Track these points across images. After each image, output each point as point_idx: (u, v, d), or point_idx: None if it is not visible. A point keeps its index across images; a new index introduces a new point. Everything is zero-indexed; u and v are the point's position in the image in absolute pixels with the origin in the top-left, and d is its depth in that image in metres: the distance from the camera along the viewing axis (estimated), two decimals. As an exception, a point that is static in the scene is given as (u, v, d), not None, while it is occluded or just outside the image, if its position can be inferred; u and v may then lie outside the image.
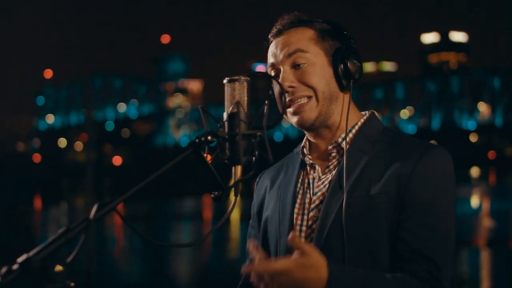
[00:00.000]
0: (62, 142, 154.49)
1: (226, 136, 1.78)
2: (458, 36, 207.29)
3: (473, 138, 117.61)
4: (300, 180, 2.32)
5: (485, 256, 18.41)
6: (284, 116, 2.21)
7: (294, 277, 1.85)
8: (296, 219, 2.25)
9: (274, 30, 2.30)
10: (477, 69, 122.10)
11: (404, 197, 2.08)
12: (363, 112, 2.34)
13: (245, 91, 1.83)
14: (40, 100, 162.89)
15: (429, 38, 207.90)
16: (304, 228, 2.23)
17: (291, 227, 2.24)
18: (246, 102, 1.83)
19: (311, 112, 2.20)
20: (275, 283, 1.86)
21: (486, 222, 28.06)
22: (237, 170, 1.81)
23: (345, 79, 2.23)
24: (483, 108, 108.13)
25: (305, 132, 2.33)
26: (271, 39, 2.31)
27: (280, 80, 2.21)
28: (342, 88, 2.25)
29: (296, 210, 2.26)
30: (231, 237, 23.89)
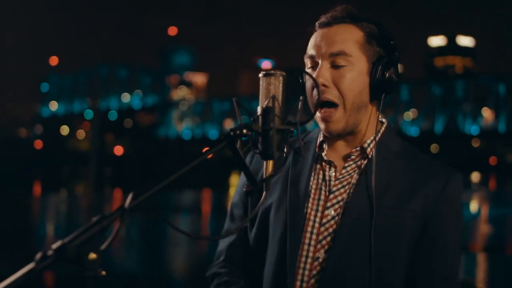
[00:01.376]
0: (65, 130, 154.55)
1: (260, 130, 1.76)
2: (465, 41, 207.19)
3: (475, 143, 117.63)
4: (312, 174, 2.29)
5: (482, 262, 18.38)
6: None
7: None
8: (309, 214, 2.24)
9: (323, 20, 2.26)
10: (483, 74, 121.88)
11: (430, 218, 2.16)
12: (380, 120, 2.32)
13: (281, 85, 1.81)
14: (45, 87, 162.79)
15: (436, 41, 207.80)
16: (317, 224, 2.22)
17: (304, 219, 2.23)
18: (281, 97, 1.80)
19: (338, 123, 2.19)
20: None
21: (484, 228, 28.03)
22: (269, 165, 1.79)
23: (379, 91, 2.21)
24: (487, 113, 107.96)
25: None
26: (317, 28, 2.26)
27: (315, 74, 2.19)
28: (372, 98, 2.24)
29: (309, 205, 2.25)
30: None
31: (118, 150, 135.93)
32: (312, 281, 2.17)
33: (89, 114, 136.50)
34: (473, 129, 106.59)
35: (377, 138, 2.24)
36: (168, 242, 20.06)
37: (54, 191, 46.29)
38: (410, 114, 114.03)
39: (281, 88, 1.81)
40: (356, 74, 2.18)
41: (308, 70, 2.25)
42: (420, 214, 2.14)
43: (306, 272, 2.18)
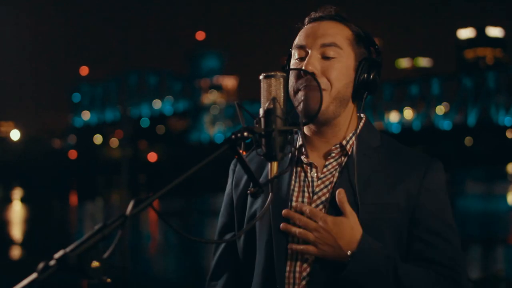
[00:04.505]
0: (98, 139, 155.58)
1: (263, 132, 1.77)
2: (494, 31, 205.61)
3: (509, 134, 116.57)
4: (293, 177, 2.28)
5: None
6: (293, 99, 2.20)
7: (332, 230, 2.07)
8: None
9: (313, 15, 2.29)
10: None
11: (415, 211, 2.17)
12: (358, 115, 2.34)
13: (281, 87, 1.83)
14: (76, 97, 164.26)
15: (465, 33, 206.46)
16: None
17: (288, 223, 2.20)
18: (282, 98, 1.82)
19: (319, 103, 2.15)
20: (314, 231, 2.09)
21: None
22: (273, 166, 1.81)
23: (362, 89, 2.24)
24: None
25: (305, 127, 2.30)
26: (307, 22, 2.30)
27: (305, 62, 2.19)
28: (354, 96, 2.26)
29: (293, 209, 2.23)
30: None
31: (152, 156, 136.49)
32: (303, 283, 2.16)
33: (121, 122, 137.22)
34: (507, 120, 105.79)
35: (356, 135, 2.25)
36: (205, 247, 20.12)
37: (90, 200, 46.65)
38: (442, 108, 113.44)
39: (282, 90, 1.83)
40: (344, 67, 2.20)
41: (295, 61, 2.25)
42: (405, 207, 2.16)
43: (297, 275, 2.18)
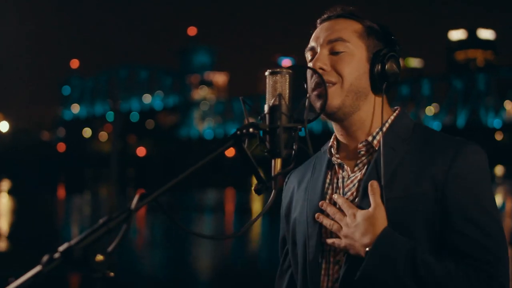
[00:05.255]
0: (87, 132, 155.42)
1: (267, 129, 1.76)
2: (485, 34, 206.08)
3: (498, 136, 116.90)
4: (328, 180, 2.29)
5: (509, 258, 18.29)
6: (311, 102, 2.18)
7: (359, 225, 2.07)
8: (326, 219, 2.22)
9: (323, 17, 2.28)
10: (505, 67, 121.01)
11: (443, 198, 2.05)
12: (393, 108, 2.30)
13: (287, 83, 1.81)
14: (66, 90, 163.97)
15: (457, 35, 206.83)
16: None
17: (320, 227, 2.21)
18: (287, 95, 1.80)
19: (334, 98, 2.15)
20: (343, 225, 2.10)
21: (509, 222, 27.88)
22: (277, 163, 1.79)
23: (379, 80, 2.20)
24: (509, 106, 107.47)
25: (333, 126, 2.29)
26: (318, 24, 2.29)
27: (313, 61, 2.19)
28: (375, 88, 2.21)
29: (331, 200, 2.24)
30: (252, 229, 23.91)
31: (141, 151, 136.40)
32: (336, 285, 2.15)
33: (110, 116, 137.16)
34: (496, 122, 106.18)
35: (384, 129, 2.20)
36: (192, 243, 20.12)
37: (78, 193, 46.53)
38: (432, 109, 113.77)
39: (287, 86, 1.81)
40: (354, 60, 2.18)
41: (308, 63, 2.24)
42: (433, 196, 2.05)
43: (330, 278, 2.18)
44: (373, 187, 2.08)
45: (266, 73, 1.84)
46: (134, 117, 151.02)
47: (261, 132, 1.77)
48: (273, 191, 1.78)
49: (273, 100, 1.79)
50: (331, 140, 2.32)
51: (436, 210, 2.05)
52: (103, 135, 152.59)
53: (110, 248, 1.42)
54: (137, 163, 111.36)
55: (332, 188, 2.26)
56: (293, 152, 1.78)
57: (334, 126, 2.29)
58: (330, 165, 2.30)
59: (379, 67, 2.19)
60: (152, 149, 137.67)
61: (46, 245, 18.10)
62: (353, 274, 2.07)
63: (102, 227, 1.42)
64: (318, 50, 2.21)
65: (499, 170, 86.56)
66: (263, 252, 18.05)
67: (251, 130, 1.70)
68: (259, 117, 1.80)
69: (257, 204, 37.21)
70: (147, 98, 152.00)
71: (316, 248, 2.20)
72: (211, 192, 44.05)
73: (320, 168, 2.32)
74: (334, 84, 2.16)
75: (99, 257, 1.39)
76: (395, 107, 2.31)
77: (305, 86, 2.23)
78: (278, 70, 1.82)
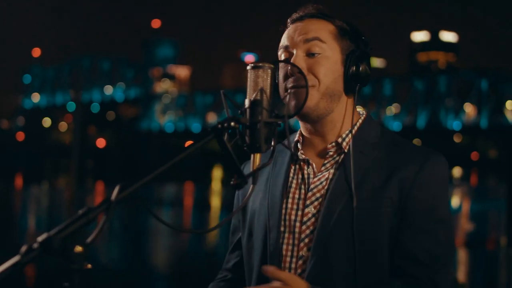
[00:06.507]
0: (47, 122, 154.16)
1: (248, 123, 1.75)
2: (448, 36, 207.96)
3: (457, 138, 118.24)
4: (291, 174, 2.29)
5: (463, 257, 18.47)
6: (284, 100, 2.17)
7: None
8: (290, 214, 2.23)
9: (295, 16, 2.28)
10: (465, 70, 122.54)
11: (406, 203, 2.12)
12: (360, 111, 2.32)
13: (269, 78, 1.80)
14: (27, 79, 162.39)
15: (419, 36, 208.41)
16: (298, 223, 2.21)
17: (280, 221, 2.22)
18: (269, 90, 1.79)
19: (310, 100, 2.15)
20: None
21: (466, 223, 28.18)
22: (256, 158, 1.79)
23: (353, 82, 2.21)
24: (469, 109, 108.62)
25: (301, 124, 2.30)
26: (289, 24, 2.28)
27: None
28: (347, 90, 2.23)
29: (289, 205, 2.24)
30: (210, 223, 23.90)
31: (100, 142, 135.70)
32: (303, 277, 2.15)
33: (71, 106, 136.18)
34: (455, 125, 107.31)
35: (353, 131, 2.23)
36: (149, 234, 20.07)
37: (36, 183, 46.14)
38: (392, 109, 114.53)
39: (269, 81, 1.80)
40: (330, 62, 2.19)
41: (281, 63, 2.24)
42: (397, 200, 2.11)
43: (292, 272, 2.18)
44: (270, 269, 1.93)
45: (248, 67, 1.83)
46: (95, 108, 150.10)
47: (240, 126, 1.75)
48: (251, 186, 1.78)
49: (254, 94, 1.77)
50: (297, 135, 2.32)
51: (397, 214, 2.12)
52: (63, 125, 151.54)
53: (89, 240, 1.40)
54: (97, 155, 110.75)
55: (297, 183, 2.26)
56: (272, 147, 1.77)
57: (303, 125, 2.30)
58: (293, 160, 2.30)
59: (353, 69, 2.20)
60: (112, 141, 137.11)
61: (1, 236, 17.94)
62: (317, 269, 2.11)
63: (82, 218, 1.40)
64: (294, 51, 2.20)
65: (457, 172, 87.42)
66: (221, 245, 18.06)
67: (232, 124, 1.68)
68: (239, 111, 1.78)
69: (216, 199, 37.23)
70: (108, 89, 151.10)
71: (277, 240, 2.21)
72: (170, 186, 43.86)
73: (282, 161, 2.32)
74: (311, 86, 2.16)
75: (78, 248, 1.38)
76: (363, 111, 2.33)
77: (276, 82, 2.22)
78: (260, 64, 1.81)
